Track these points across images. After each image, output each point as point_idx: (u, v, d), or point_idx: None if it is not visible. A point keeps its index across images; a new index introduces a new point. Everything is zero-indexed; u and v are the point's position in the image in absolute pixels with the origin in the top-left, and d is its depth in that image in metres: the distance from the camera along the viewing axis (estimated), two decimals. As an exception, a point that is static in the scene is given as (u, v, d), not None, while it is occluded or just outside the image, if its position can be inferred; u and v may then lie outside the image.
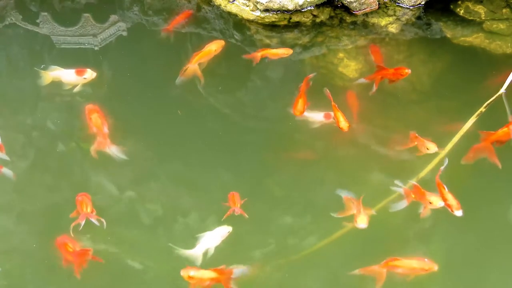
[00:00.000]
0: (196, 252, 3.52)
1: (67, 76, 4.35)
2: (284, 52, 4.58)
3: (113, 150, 4.04)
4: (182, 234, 3.66)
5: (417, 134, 3.88)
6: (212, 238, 3.57)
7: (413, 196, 3.67)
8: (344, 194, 3.68)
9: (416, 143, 3.85)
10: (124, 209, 3.91)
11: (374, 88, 4.25)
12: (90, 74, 4.33)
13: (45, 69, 4.37)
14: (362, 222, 3.52)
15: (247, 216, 3.67)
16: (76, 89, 4.34)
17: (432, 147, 3.84)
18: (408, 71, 4.18)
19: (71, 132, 4.32)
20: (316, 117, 4.15)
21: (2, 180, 3.99)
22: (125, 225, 3.83)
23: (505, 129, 3.86)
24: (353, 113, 4.21)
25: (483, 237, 3.62)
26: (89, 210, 3.67)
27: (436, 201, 3.58)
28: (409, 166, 3.95)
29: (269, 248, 3.71)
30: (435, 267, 3.33)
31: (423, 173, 3.87)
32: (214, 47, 4.54)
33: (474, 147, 3.92)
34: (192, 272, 3.33)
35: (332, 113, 4.09)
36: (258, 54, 4.55)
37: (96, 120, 4.12)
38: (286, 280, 3.59)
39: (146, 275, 3.64)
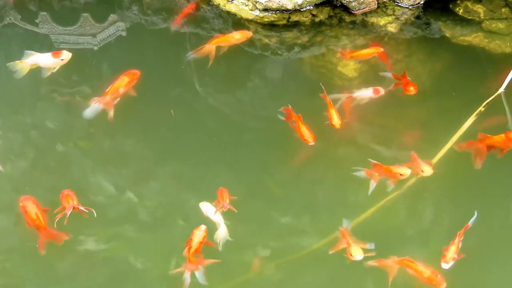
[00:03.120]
0: (224, 230, 3.61)
1: (45, 60, 4.24)
2: (375, 50, 4.55)
3: (97, 108, 4.08)
4: (182, 234, 3.65)
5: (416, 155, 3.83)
6: (216, 215, 3.66)
7: (377, 174, 3.74)
8: (346, 225, 3.60)
9: (414, 163, 3.79)
10: (123, 209, 3.91)
11: (392, 87, 4.30)
12: (66, 55, 4.25)
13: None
14: (357, 253, 3.42)
15: (236, 210, 3.67)
16: (55, 70, 4.26)
17: (427, 170, 3.75)
18: (414, 90, 4.21)
19: (70, 132, 4.31)
20: (366, 93, 4.22)
21: (1, 180, 3.99)
22: (125, 224, 3.83)
23: (502, 135, 3.86)
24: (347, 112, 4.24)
25: (483, 236, 3.63)
26: (75, 202, 3.64)
27: (404, 171, 3.68)
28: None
29: (269, 248, 3.71)
30: (443, 286, 3.32)
31: (422, 173, 3.88)
32: (238, 36, 4.50)
33: (470, 142, 3.94)
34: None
35: (380, 89, 4.19)
36: (348, 56, 4.58)
37: (119, 79, 4.16)
38: (286, 280, 3.59)
39: (146, 274, 3.64)
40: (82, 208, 3.63)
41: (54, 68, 4.26)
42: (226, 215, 3.67)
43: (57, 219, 3.58)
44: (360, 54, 4.56)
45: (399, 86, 4.27)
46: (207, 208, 3.71)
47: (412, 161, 3.78)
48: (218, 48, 4.45)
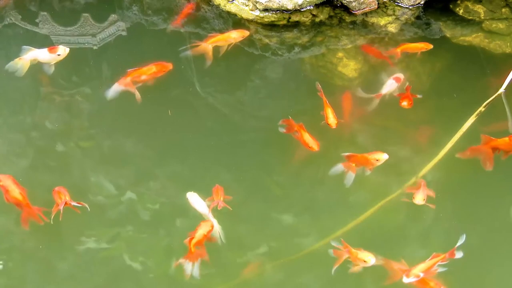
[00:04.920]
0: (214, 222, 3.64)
1: (43, 55, 4.27)
2: (424, 46, 4.55)
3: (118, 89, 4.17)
4: (181, 234, 3.65)
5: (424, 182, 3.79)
6: (204, 209, 3.69)
7: (354, 165, 3.77)
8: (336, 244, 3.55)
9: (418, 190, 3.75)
10: (123, 208, 3.91)
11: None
12: (63, 50, 4.27)
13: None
14: (370, 258, 3.41)
15: (230, 208, 3.67)
16: (51, 67, 4.29)
17: (417, 199, 3.69)
18: (406, 106, 4.19)
19: (70, 132, 4.31)
20: (391, 86, 4.26)
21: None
22: (125, 224, 3.83)
23: (506, 138, 3.85)
24: (345, 113, 4.25)
25: (483, 236, 3.63)
26: (67, 198, 3.66)
27: (379, 156, 3.75)
28: (408, 166, 3.96)
29: (269, 248, 3.71)
30: None
31: (422, 172, 3.87)
32: (235, 35, 4.46)
33: (472, 148, 3.93)
34: None
35: (400, 75, 4.24)
36: (398, 50, 4.55)
37: (147, 66, 4.21)
38: (286, 280, 3.59)
39: (146, 274, 3.64)
40: (74, 203, 3.65)
41: (52, 63, 4.28)
42: (225, 215, 3.67)
43: (52, 216, 3.60)
44: (408, 47, 4.57)
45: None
46: (194, 198, 3.72)
47: (417, 186, 3.76)
48: (216, 48, 4.44)
